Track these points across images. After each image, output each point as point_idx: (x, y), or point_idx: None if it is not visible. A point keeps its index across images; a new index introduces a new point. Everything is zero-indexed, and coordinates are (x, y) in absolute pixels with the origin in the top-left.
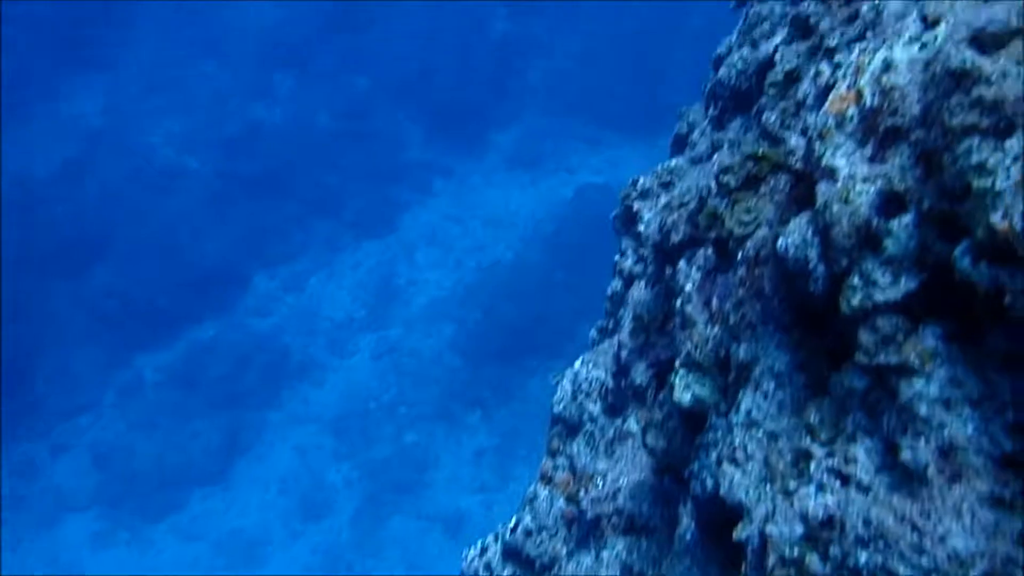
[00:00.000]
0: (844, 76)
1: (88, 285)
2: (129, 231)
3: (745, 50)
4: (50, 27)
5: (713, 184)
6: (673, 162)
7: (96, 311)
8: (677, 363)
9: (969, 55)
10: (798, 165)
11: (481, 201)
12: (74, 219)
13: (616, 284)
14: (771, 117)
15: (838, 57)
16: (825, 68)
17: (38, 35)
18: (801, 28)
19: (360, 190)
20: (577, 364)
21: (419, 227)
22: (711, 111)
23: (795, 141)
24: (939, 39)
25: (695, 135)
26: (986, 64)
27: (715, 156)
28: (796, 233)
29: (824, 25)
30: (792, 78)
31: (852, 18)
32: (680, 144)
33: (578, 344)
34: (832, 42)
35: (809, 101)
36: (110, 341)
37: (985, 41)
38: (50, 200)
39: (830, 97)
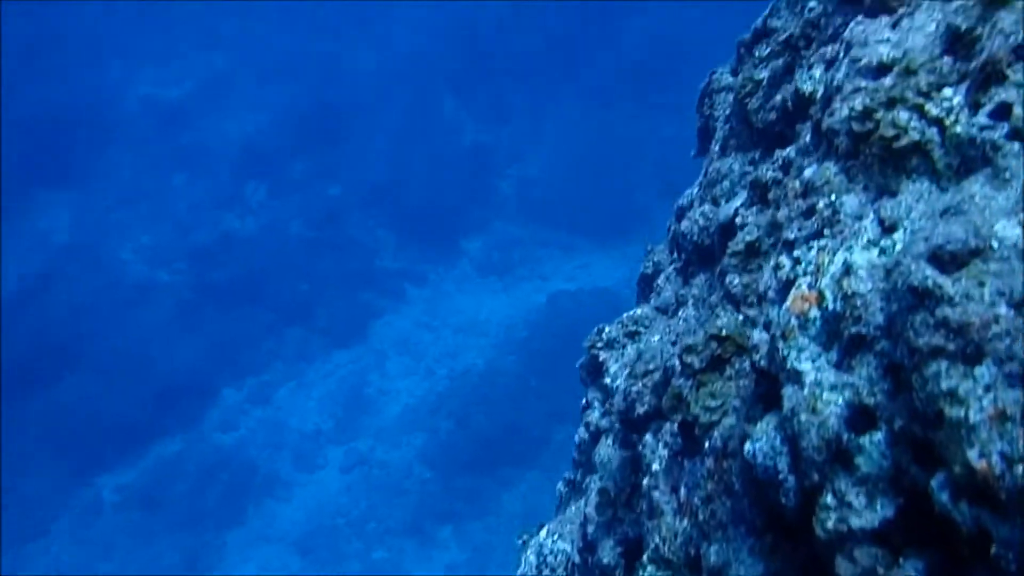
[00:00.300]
0: (804, 273)
1: (47, 403)
2: (94, 347)
3: (706, 207)
4: (23, 144)
5: (677, 363)
6: (639, 311)
7: (54, 430)
8: (645, 557)
9: (930, 273)
10: (762, 363)
11: (453, 308)
12: (37, 336)
13: (583, 434)
14: (734, 279)
15: (797, 252)
16: (785, 261)
17: (10, 152)
18: (760, 191)
19: (332, 298)
20: (542, 534)
21: (391, 335)
22: (675, 258)
23: (758, 336)
24: (898, 247)
25: (660, 280)
26: (948, 284)
27: (681, 312)
28: (764, 439)
29: (782, 213)
30: (753, 249)
31: (810, 212)
32: (646, 284)
33: (551, 451)
34: (791, 235)
35: (771, 295)
36: (68, 461)
37: (945, 259)
38: (14, 317)
39: (791, 294)
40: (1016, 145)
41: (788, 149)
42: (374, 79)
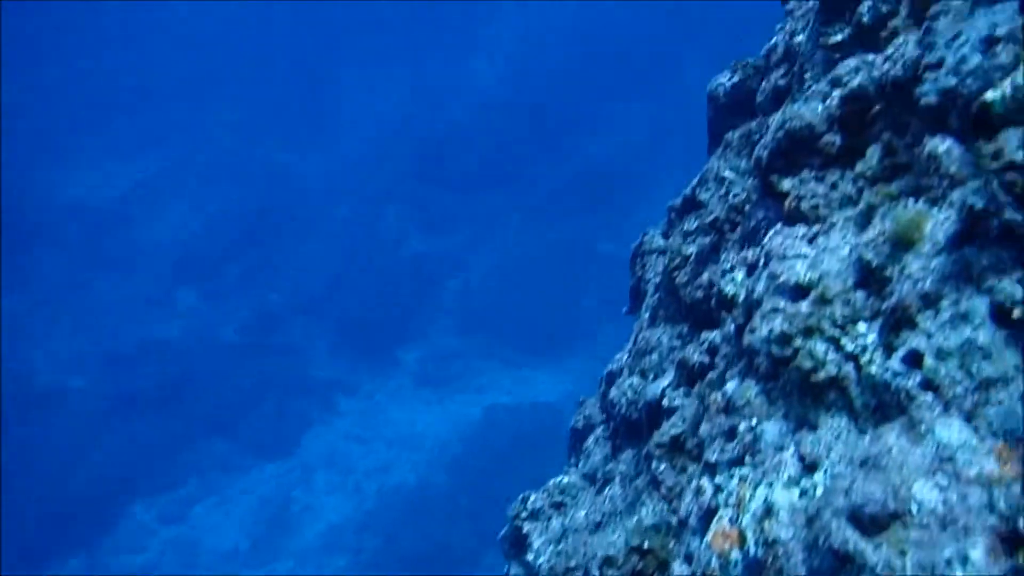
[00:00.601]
0: (726, 504)
1: None
2: None
3: (635, 379)
4: None
5: (597, 575)
6: (565, 479)
7: None
8: None
9: (851, 536)
10: None
11: (386, 420)
12: None
13: None
14: (660, 466)
15: (719, 479)
16: (707, 486)
17: None
18: (687, 373)
19: (258, 408)
20: None
21: (320, 448)
22: (605, 420)
23: (679, 571)
24: (818, 490)
25: (590, 441)
26: (869, 551)
27: (607, 489)
28: None
29: (704, 428)
30: (678, 444)
31: (731, 433)
32: (577, 439)
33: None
34: (712, 456)
35: (692, 521)
36: None
37: (865, 521)
38: None
39: (712, 528)
40: (929, 396)
41: (714, 333)
42: (318, 185)
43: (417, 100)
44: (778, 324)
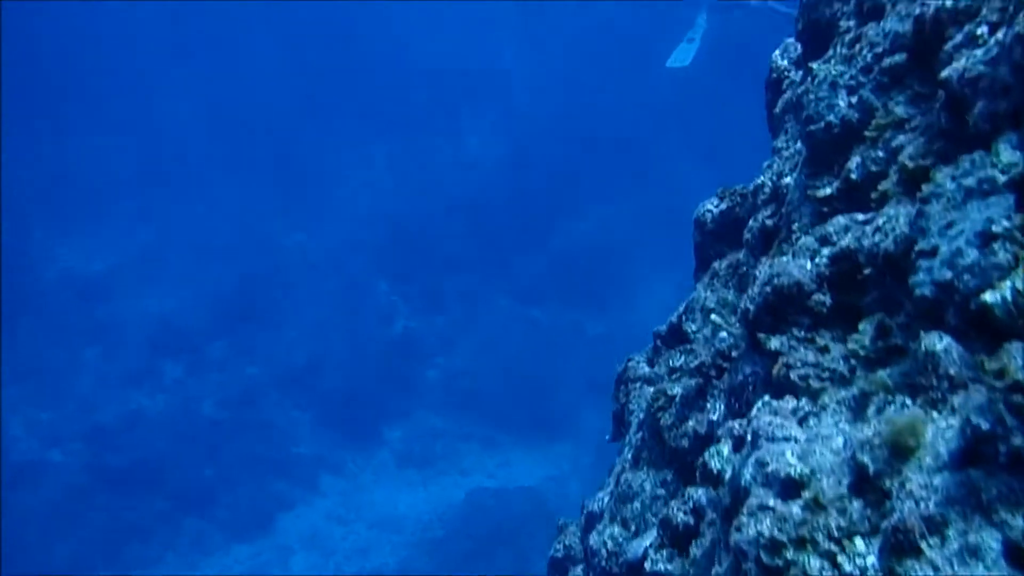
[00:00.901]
0: None
1: None
2: None
3: (616, 529)
4: None
5: None
6: None
7: None
8: None
9: None
10: None
11: (368, 501)
12: None
13: None
14: None
15: None
16: None
17: None
18: (670, 532)
19: (239, 485)
20: None
21: (299, 528)
22: (585, 564)
23: None
24: None
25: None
26: None
27: None
28: None
29: None
30: None
31: None
32: (556, 572)
33: None
34: None
35: None
36: None
37: None
38: None
39: None
40: None
41: (700, 492)
42: (306, 260)
43: (407, 177)
44: (767, 527)
